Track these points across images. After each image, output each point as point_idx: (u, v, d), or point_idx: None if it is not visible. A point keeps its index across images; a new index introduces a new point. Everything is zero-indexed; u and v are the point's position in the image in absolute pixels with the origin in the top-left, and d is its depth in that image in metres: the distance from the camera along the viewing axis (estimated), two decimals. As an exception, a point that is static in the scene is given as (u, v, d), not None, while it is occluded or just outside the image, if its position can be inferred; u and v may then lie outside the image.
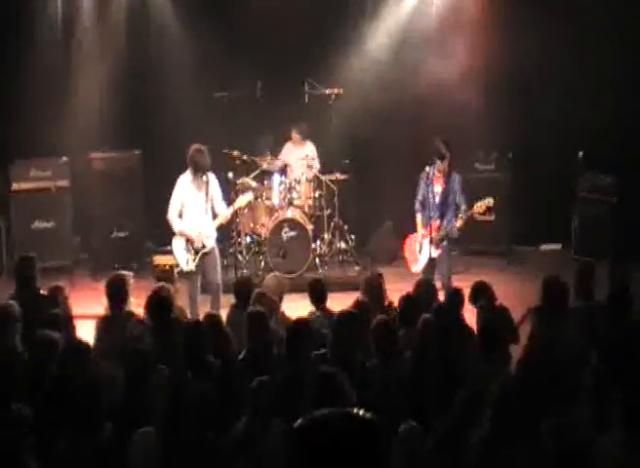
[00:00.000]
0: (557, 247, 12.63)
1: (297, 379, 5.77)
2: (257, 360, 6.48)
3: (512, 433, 4.72)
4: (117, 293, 7.62)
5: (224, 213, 9.46)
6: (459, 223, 9.50)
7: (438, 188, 9.58)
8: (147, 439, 5.23)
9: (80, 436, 5.19)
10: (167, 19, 12.51)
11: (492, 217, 11.69)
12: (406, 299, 7.29)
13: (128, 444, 5.27)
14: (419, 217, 9.68)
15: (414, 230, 9.86)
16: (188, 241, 9.34)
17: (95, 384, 5.54)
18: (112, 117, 12.15)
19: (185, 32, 12.43)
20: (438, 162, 9.49)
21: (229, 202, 10.16)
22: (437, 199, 9.57)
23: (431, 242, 9.54)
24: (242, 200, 9.95)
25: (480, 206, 9.50)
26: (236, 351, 6.88)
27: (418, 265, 9.71)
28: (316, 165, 11.88)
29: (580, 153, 11.83)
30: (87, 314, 8.78)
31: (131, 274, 8.13)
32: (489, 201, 9.49)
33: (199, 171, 9.23)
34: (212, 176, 9.41)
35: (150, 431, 5.26)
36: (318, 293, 7.81)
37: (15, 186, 11.80)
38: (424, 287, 7.81)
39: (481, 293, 7.55)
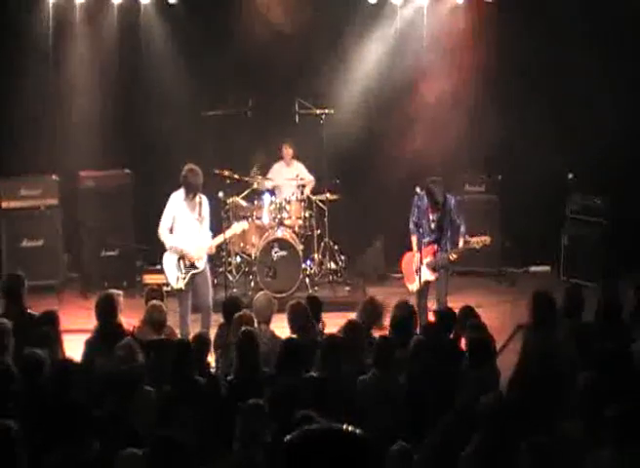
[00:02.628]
0: (546, 268, 12.66)
1: (287, 397, 5.75)
2: (246, 380, 6.46)
3: (502, 449, 4.72)
4: (107, 312, 7.60)
5: (211, 243, 9.44)
6: (453, 256, 9.49)
7: (433, 216, 9.58)
8: (134, 461, 5.18)
9: (68, 453, 5.15)
10: (158, 37, 12.53)
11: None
12: (398, 323, 7.28)
13: (114, 463, 5.22)
14: (414, 239, 9.66)
15: (408, 249, 9.84)
16: (180, 258, 9.32)
17: (82, 402, 5.51)
18: (102, 136, 12.14)
19: (177, 51, 12.46)
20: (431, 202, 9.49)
21: (219, 222, 10.16)
22: (433, 225, 9.56)
23: (426, 265, 9.53)
24: (237, 227, 9.99)
25: (477, 241, 9.50)
26: (225, 370, 6.88)
27: (414, 285, 9.69)
28: (311, 181, 11.90)
29: (570, 175, 11.88)
30: (76, 329, 8.76)
31: (120, 293, 8.10)
32: (486, 239, 9.51)
33: (190, 191, 9.25)
34: (205, 199, 9.42)
35: (137, 453, 5.21)
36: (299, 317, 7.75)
37: (4, 205, 11.77)
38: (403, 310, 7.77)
39: (468, 317, 7.57)
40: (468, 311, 7.65)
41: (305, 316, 7.65)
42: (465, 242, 9.48)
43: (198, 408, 6.04)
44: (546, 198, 12.13)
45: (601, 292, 7.83)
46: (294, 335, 7.38)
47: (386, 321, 7.83)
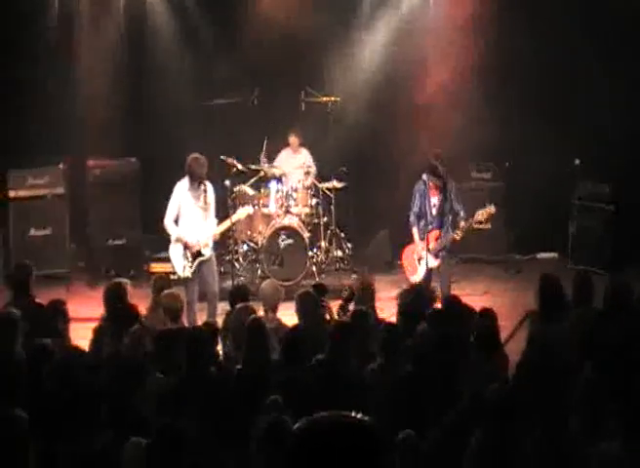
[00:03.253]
0: (553, 255, 12.64)
1: (293, 385, 5.76)
2: (255, 370, 6.45)
3: (508, 439, 4.71)
4: (115, 299, 7.62)
5: (215, 230, 9.43)
6: (458, 234, 9.46)
7: (435, 200, 9.56)
8: (139, 449, 5.19)
9: (78, 442, 5.17)
10: (164, 27, 12.52)
11: (488, 226, 11.71)
12: (407, 309, 7.27)
13: (120, 453, 5.23)
14: (414, 230, 9.66)
15: (410, 240, 9.84)
16: (186, 247, 9.34)
17: (90, 391, 5.52)
18: (109, 125, 12.14)
19: (183, 40, 12.46)
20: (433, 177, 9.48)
21: (226, 210, 10.16)
22: (434, 210, 9.55)
23: (429, 252, 9.51)
24: (241, 213, 9.98)
25: (482, 213, 9.46)
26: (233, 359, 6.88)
27: (417, 276, 9.68)
28: (313, 170, 11.89)
29: (577, 161, 11.85)
30: (84, 318, 8.78)
31: (128, 281, 8.11)
32: (490, 209, 9.45)
33: (195, 180, 9.26)
34: (210, 186, 9.42)
35: (142, 442, 5.21)
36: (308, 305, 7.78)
37: (11, 194, 11.79)
38: (415, 294, 7.76)
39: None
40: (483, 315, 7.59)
41: (313, 304, 7.66)
42: (467, 220, 9.45)
43: (209, 398, 6.04)
44: (553, 185, 12.09)
45: (609, 279, 7.79)
46: (300, 323, 7.39)
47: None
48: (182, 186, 9.35)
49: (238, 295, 8.04)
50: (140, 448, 5.11)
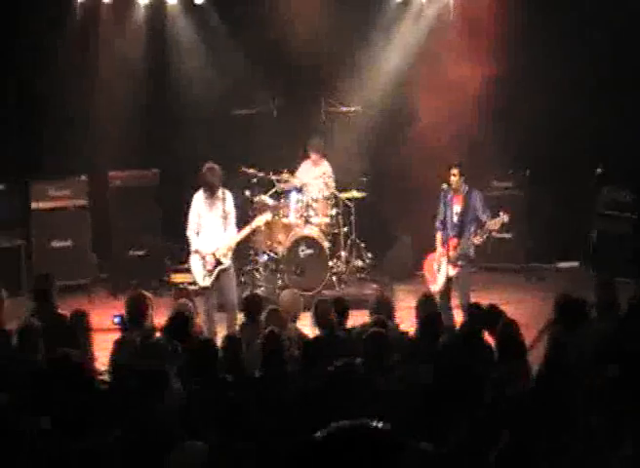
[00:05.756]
0: (574, 264, 12.58)
1: (312, 395, 5.75)
2: (271, 381, 6.44)
3: (531, 445, 4.69)
4: (137, 311, 7.65)
5: (230, 241, 9.41)
6: (476, 240, 9.45)
7: (457, 208, 9.56)
8: (196, 453, 5.16)
9: (93, 442, 5.19)
10: (185, 39, 12.59)
11: (509, 235, 11.68)
12: (429, 316, 7.27)
13: (172, 455, 5.20)
14: (438, 236, 9.67)
15: (433, 247, 9.83)
16: (204, 259, 9.37)
17: (108, 397, 5.55)
18: (131, 135, 12.22)
19: (204, 51, 12.53)
20: (452, 178, 9.49)
21: (246, 219, 10.18)
22: (456, 218, 9.55)
23: (448, 260, 9.52)
24: (260, 220, 9.99)
25: (494, 223, 9.47)
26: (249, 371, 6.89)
27: (437, 285, 9.69)
28: (331, 183, 11.88)
29: (599, 169, 11.81)
30: (106, 328, 8.81)
31: (150, 296, 8.13)
32: (503, 218, 9.45)
33: (208, 190, 9.29)
34: (228, 195, 9.44)
35: (200, 445, 5.20)
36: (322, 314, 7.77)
37: (34, 206, 11.87)
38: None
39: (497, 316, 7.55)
40: (495, 310, 7.61)
41: (327, 314, 7.66)
42: (481, 228, 9.44)
43: (224, 407, 6.04)
44: (575, 193, 12.07)
45: (636, 288, 7.75)
46: (318, 334, 7.38)
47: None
48: (199, 197, 9.39)
49: (251, 305, 8.04)
50: (200, 452, 5.09)
